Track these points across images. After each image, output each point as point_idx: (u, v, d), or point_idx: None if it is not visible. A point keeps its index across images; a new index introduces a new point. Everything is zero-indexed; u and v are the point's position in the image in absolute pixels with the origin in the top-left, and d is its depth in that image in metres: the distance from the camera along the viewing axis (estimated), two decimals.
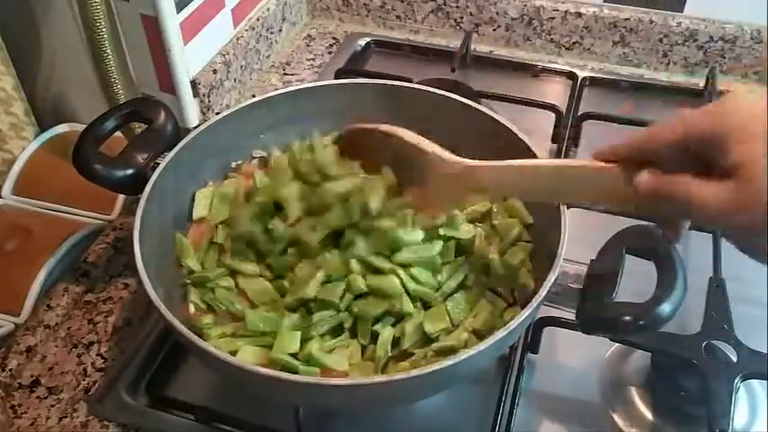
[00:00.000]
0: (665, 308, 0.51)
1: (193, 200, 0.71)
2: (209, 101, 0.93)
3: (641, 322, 0.52)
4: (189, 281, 0.66)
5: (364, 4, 1.15)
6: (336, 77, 0.98)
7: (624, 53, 1.07)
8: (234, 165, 0.75)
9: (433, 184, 0.61)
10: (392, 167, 0.66)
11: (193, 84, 0.90)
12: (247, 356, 0.58)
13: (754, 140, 0.40)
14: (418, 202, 0.63)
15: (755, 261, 0.47)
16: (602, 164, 0.50)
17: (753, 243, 0.46)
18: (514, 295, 0.64)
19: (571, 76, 1.04)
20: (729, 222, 0.42)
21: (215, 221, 0.69)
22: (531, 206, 0.68)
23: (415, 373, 0.50)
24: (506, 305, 0.63)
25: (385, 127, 0.66)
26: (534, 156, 0.65)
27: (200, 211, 0.70)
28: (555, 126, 0.92)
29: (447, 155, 0.60)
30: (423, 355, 0.58)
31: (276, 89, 0.75)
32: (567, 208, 0.60)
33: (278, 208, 0.66)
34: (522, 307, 0.55)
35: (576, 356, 0.69)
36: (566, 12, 1.06)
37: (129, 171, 0.66)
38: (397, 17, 1.15)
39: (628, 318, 0.52)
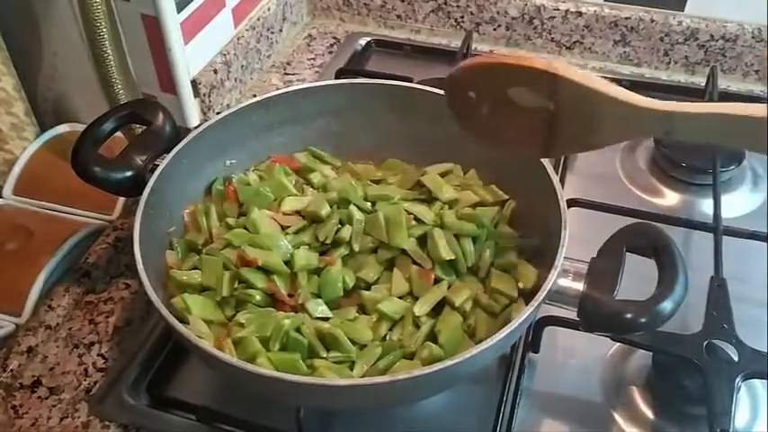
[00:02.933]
0: (667, 306, 0.52)
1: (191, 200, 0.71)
2: (210, 101, 0.93)
3: (642, 320, 0.52)
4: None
5: (365, 3, 1.15)
6: (337, 77, 0.98)
7: (625, 52, 1.07)
8: (229, 163, 0.75)
9: (597, 124, 0.51)
10: (534, 120, 0.53)
11: (194, 83, 0.90)
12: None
13: None
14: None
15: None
16: None
17: None
18: (518, 287, 0.63)
19: None
20: None
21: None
22: (528, 203, 0.68)
23: (416, 372, 0.50)
24: (508, 303, 0.62)
25: (541, 64, 0.51)
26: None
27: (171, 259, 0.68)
28: None
29: (629, 96, 0.51)
30: (427, 354, 0.58)
31: (277, 89, 0.75)
32: (568, 207, 0.61)
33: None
34: (524, 304, 0.55)
35: (577, 356, 0.69)
36: (566, 11, 1.06)
37: (128, 173, 0.66)
38: (398, 17, 1.15)
39: (629, 316, 0.52)
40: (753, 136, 0.46)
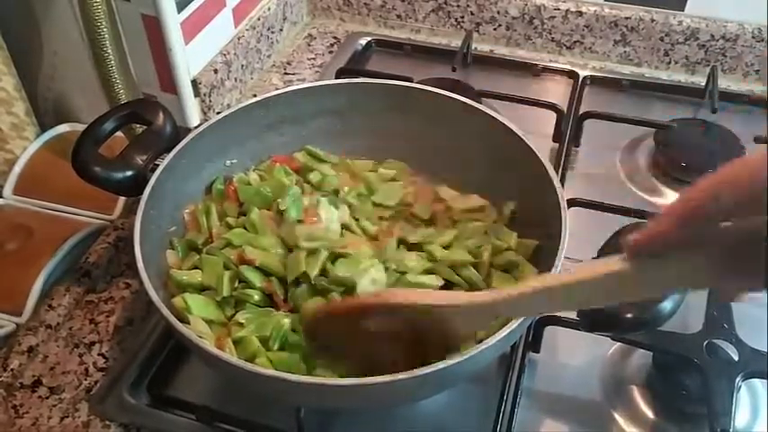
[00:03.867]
0: (666, 305, 0.52)
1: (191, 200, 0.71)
2: (210, 100, 0.93)
3: (643, 319, 0.52)
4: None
5: (365, 3, 1.15)
6: (337, 77, 0.98)
7: (625, 52, 1.07)
8: (229, 163, 0.75)
9: (451, 333, 0.53)
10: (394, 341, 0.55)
11: (194, 83, 0.90)
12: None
13: None
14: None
15: None
16: (655, 265, 0.41)
17: None
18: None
19: (572, 75, 1.03)
20: None
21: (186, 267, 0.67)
22: (529, 203, 0.68)
23: (416, 372, 0.50)
24: None
25: (372, 300, 0.55)
26: (536, 157, 0.65)
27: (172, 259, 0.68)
28: (556, 125, 0.92)
29: (468, 297, 0.53)
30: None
31: (277, 89, 0.75)
32: (568, 207, 0.61)
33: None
34: None
35: (577, 355, 0.69)
36: (566, 11, 1.06)
37: (129, 173, 0.66)
38: (398, 16, 1.15)
39: (629, 315, 0.52)
40: (572, 300, 0.47)
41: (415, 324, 0.53)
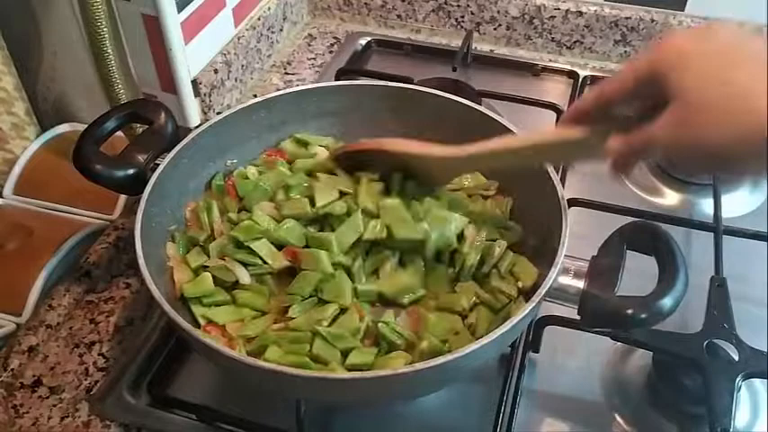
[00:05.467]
0: (667, 302, 0.52)
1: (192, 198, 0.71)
2: (211, 100, 0.93)
3: (643, 316, 0.52)
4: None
5: (365, 3, 1.15)
6: (337, 77, 0.98)
7: (625, 52, 1.07)
8: (230, 163, 0.75)
9: (433, 175, 0.68)
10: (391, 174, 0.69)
11: (194, 83, 0.90)
12: None
13: (684, 72, 0.46)
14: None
15: None
16: (573, 133, 0.54)
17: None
18: (518, 286, 0.63)
19: (572, 74, 1.03)
20: (679, 144, 0.47)
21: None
22: (529, 202, 0.68)
23: (417, 366, 0.50)
24: (508, 301, 0.62)
25: (372, 144, 0.70)
26: None
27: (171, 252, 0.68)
28: (556, 125, 0.92)
29: (440, 150, 0.65)
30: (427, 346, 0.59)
31: (277, 89, 0.76)
32: (568, 207, 0.61)
33: None
34: (525, 302, 0.55)
35: (577, 355, 0.69)
36: (567, 11, 1.06)
37: (130, 171, 0.66)
38: (398, 16, 1.15)
39: (629, 311, 0.52)
40: (535, 156, 0.61)
41: (406, 163, 0.67)
